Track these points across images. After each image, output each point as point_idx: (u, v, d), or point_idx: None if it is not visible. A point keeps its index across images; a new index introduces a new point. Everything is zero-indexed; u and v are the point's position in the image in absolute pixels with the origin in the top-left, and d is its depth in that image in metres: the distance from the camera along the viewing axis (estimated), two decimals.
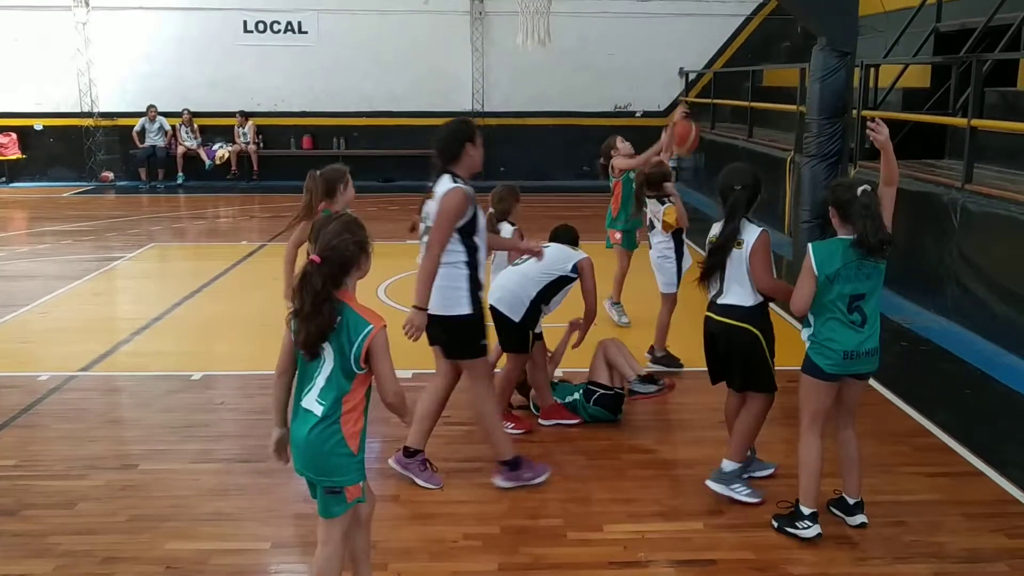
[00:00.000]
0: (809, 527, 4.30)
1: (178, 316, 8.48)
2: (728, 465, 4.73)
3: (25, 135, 18.15)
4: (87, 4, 17.88)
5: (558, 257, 5.70)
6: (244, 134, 18.01)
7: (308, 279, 3.22)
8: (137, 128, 17.63)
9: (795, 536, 4.32)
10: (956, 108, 10.15)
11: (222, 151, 17.84)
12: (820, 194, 9.09)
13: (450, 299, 4.69)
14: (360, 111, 18.26)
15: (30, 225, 13.77)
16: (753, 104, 14.70)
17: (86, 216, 14.12)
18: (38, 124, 18.24)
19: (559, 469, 5.11)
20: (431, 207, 4.76)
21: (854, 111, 9.69)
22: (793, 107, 12.08)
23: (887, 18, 13.50)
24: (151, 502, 4.73)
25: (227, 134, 18.09)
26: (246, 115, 17.94)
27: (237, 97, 18.02)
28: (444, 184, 4.73)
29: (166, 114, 17.78)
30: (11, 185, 16.80)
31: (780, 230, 11.97)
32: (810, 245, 4.34)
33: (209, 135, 18.20)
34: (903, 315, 8.39)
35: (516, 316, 5.51)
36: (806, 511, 4.32)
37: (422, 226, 4.89)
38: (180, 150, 17.92)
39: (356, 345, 3.23)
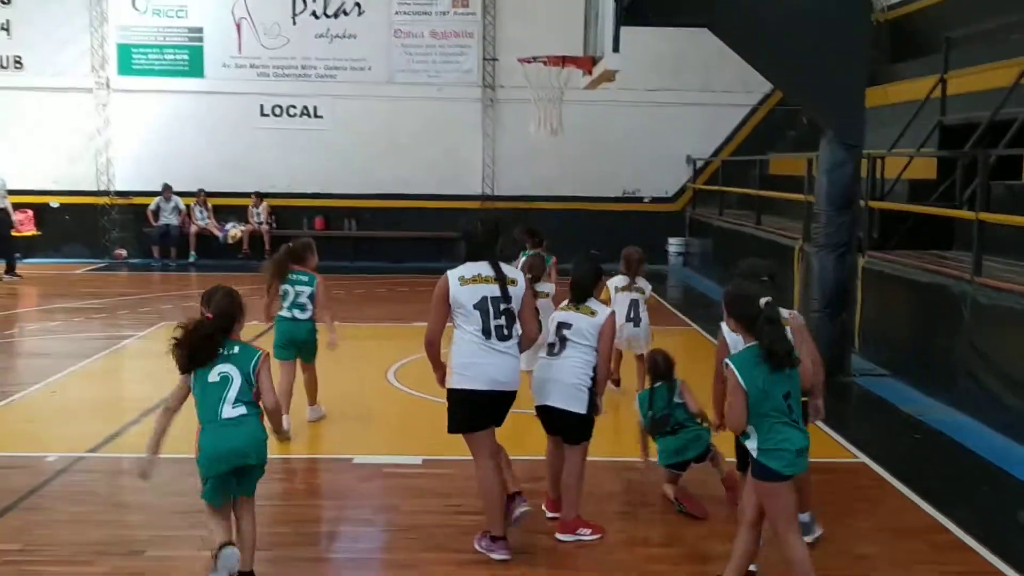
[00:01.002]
0: None
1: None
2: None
3: (41, 212, 18.41)
4: (108, 86, 18.31)
5: (587, 328, 5.37)
6: (258, 214, 18.24)
7: (201, 328, 4.59)
8: (152, 207, 17.89)
9: None
10: (963, 200, 10.26)
11: (235, 231, 18.03)
12: (829, 284, 9.16)
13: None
14: (372, 193, 18.52)
15: (41, 302, 13.86)
16: (761, 192, 14.89)
17: (98, 294, 14.21)
18: (54, 201, 18.51)
19: None
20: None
21: (862, 202, 9.81)
22: (801, 196, 12.22)
23: (893, 111, 13.74)
24: None
25: (240, 214, 18.31)
26: (261, 196, 18.20)
27: (252, 178, 18.32)
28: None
29: (181, 194, 18.07)
30: (25, 261, 16.95)
31: None
32: (731, 362, 4.29)
33: (223, 215, 18.43)
34: (915, 406, 8.34)
35: (582, 408, 5.32)
36: None
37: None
38: (193, 229, 18.13)
39: (253, 363, 4.59)
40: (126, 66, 18.40)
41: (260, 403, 4.62)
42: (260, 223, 18.22)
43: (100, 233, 18.59)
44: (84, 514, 5.64)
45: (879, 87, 14.56)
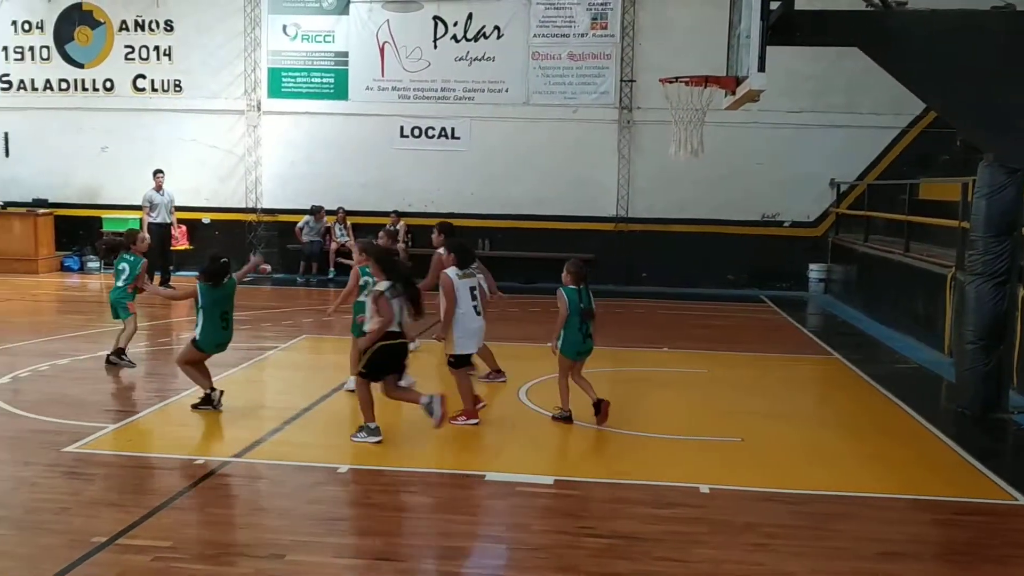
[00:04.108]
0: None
1: (326, 408, 8.68)
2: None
3: (193, 228, 19.38)
4: (259, 109, 19.17)
5: None
6: (396, 232, 18.66)
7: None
8: (300, 224, 18.55)
9: None
10: None
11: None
12: (986, 315, 8.65)
13: None
14: (506, 214, 18.69)
15: (192, 312, 14.48)
16: (910, 217, 14.25)
17: (244, 306, 14.71)
18: (206, 218, 19.48)
19: None
20: None
21: None
22: (954, 222, 11.62)
23: None
24: None
25: (377, 233, 18.75)
26: (399, 215, 18.63)
27: (390, 197, 18.80)
28: None
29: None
30: (178, 273, 17.85)
31: (939, 349, 11.41)
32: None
33: (362, 233, 18.93)
34: None
35: None
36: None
37: None
38: (333, 246, 18.71)
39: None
40: (276, 89, 19.23)
41: None
42: (398, 242, 18.62)
43: (247, 249, 19.40)
44: (228, 516, 5.84)
45: None
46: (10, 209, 19.05)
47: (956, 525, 6.05)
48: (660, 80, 9.85)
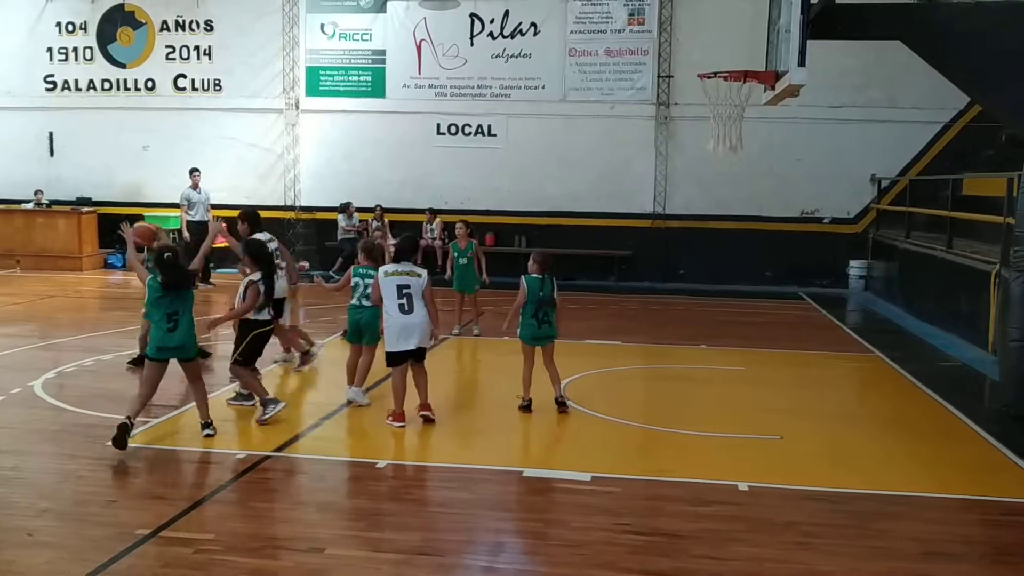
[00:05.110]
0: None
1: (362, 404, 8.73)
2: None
3: (234, 225, 19.52)
4: (297, 107, 19.34)
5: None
6: (431, 230, 18.73)
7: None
8: (356, 223, 18.68)
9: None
10: None
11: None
12: None
13: None
14: (542, 211, 18.69)
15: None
16: (953, 213, 14.03)
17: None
18: None
19: None
20: None
21: None
22: (999, 218, 11.43)
23: None
24: None
25: (414, 230, 18.84)
26: (435, 212, 18.69)
27: (426, 195, 18.87)
28: None
29: (358, 209, 18.79)
30: (218, 271, 18.04)
31: (983, 347, 11.23)
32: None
33: (397, 230, 19.02)
34: None
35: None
36: None
37: None
38: None
39: None
40: (314, 87, 19.40)
41: None
42: (434, 239, 18.69)
43: (285, 246, 19.52)
44: (269, 510, 5.90)
45: None
46: (55, 207, 19.38)
47: (1002, 526, 5.96)
48: (698, 75, 9.80)
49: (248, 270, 8.02)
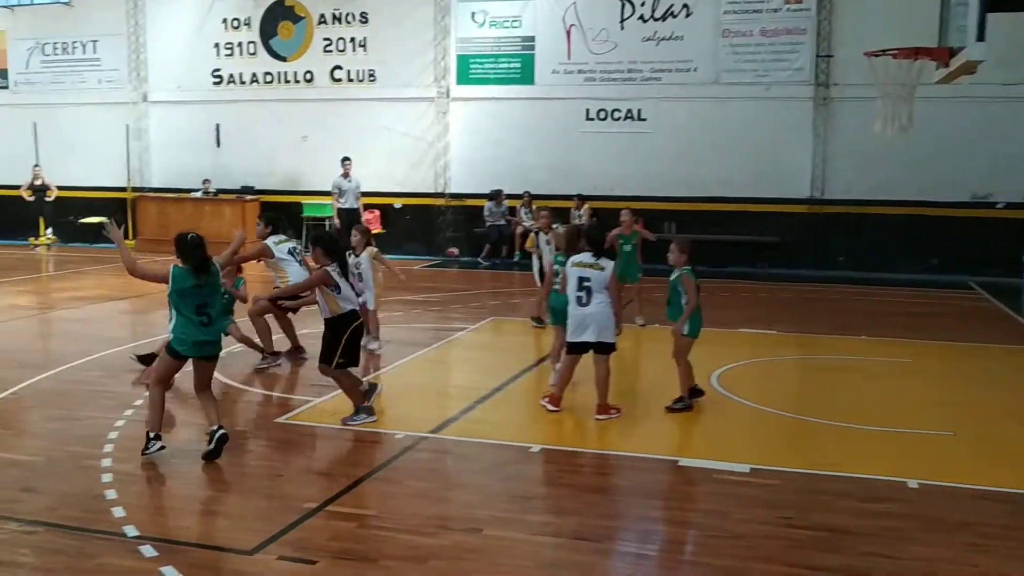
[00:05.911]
0: None
1: (516, 388, 8.80)
2: None
3: (386, 212, 20.12)
4: (448, 95, 19.64)
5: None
6: (580, 216, 18.65)
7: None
8: (506, 210, 18.92)
9: None
10: None
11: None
12: None
13: None
14: (693, 196, 18.31)
15: (383, 293, 15.03)
16: None
17: (433, 288, 15.23)
18: (397, 203, 20.17)
19: None
20: None
21: None
22: None
23: None
24: (496, 569, 4.86)
25: (563, 216, 18.82)
26: (583, 198, 18.60)
27: (575, 181, 18.78)
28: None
29: (507, 196, 18.95)
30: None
31: None
32: None
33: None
34: None
35: None
36: None
37: None
38: (519, 230, 18.91)
39: None
40: (464, 75, 19.63)
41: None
42: (582, 225, 18.63)
43: (435, 232, 19.97)
44: (428, 490, 6.01)
45: None
46: (221, 196, 20.40)
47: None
48: (865, 53, 9.36)
49: (315, 265, 7.57)
